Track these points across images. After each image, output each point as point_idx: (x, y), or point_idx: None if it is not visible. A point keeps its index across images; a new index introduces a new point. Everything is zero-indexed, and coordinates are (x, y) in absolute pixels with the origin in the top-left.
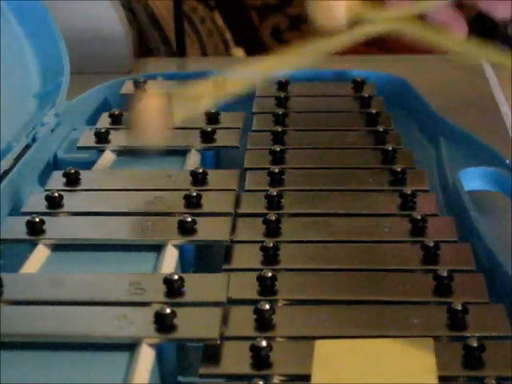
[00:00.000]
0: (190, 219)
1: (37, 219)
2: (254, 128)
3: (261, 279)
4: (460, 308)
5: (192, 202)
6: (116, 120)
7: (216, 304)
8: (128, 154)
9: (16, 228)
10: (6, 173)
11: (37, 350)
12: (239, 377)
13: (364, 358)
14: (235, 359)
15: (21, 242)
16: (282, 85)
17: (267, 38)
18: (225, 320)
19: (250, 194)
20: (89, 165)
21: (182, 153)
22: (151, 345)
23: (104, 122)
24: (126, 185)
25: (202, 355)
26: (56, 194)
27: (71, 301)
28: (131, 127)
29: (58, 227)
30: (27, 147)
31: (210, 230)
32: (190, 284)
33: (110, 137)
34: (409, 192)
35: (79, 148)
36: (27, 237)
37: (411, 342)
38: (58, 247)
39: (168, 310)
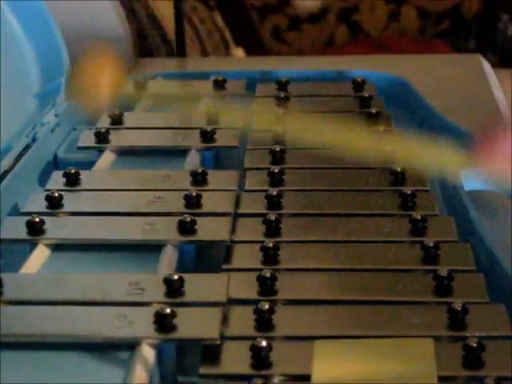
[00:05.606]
0: (189, 219)
1: (37, 219)
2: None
3: (261, 279)
4: (460, 308)
5: (192, 202)
6: (116, 120)
7: (216, 304)
8: (128, 153)
9: (16, 228)
10: (6, 173)
11: (37, 350)
12: (239, 377)
13: (364, 358)
14: (235, 359)
15: (21, 242)
16: (282, 85)
17: (267, 38)
18: (225, 320)
19: (250, 194)
20: (89, 165)
21: (181, 153)
22: (151, 345)
23: (104, 122)
24: (126, 185)
25: (202, 355)
26: (56, 194)
27: (71, 301)
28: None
29: (58, 227)
30: (27, 147)
31: (209, 229)
32: (190, 284)
33: (110, 137)
34: (409, 192)
35: (79, 148)
36: (27, 237)
37: (411, 341)
38: (58, 247)
39: (168, 310)
